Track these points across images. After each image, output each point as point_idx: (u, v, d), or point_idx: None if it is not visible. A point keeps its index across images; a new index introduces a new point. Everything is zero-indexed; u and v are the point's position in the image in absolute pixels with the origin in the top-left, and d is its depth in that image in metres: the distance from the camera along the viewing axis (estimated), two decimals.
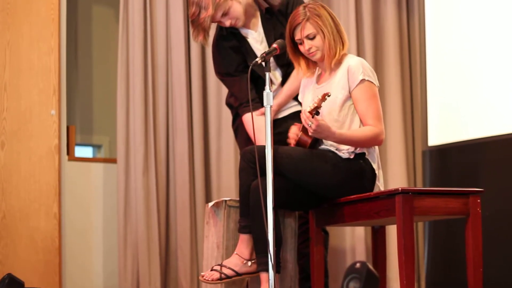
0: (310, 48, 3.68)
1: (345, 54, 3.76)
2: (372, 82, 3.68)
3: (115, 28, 5.81)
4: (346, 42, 3.72)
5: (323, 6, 3.72)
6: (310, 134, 3.57)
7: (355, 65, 3.67)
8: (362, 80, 3.66)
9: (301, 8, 3.71)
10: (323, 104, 3.52)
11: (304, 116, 3.53)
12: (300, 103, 4.13)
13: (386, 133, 5.52)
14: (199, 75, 5.54)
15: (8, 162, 5.20)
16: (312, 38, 3.68)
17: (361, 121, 3.69)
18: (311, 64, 3.81)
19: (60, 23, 5.41)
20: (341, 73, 3.71)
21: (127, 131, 5.49)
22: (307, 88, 3.88)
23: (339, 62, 3.74)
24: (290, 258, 3.92)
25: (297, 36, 3.70)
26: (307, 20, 3.66)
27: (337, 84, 3.70)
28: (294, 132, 3.83)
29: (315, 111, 3.51)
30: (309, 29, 3.67)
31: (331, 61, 3.69)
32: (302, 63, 3.80)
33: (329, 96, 3.52)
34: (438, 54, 5.40)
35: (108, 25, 6.41)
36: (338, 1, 5.70)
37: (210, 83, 5.56)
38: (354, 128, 3.68)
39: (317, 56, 3.71)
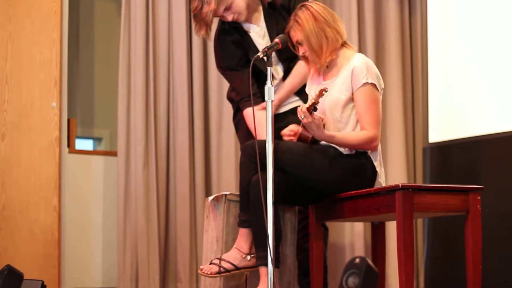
0: (304, 53, 3.73)
1: (348, 48, 3.77)
2: (375, 86, 3.67)
3: (117, 22, 5.81)
4: (330, 37, 3.70)
5: (307, 8, 3.73)
6: (303, 123, 3.58)
7: (359, 67, 3.67)
8: (365, 84, 3.65)
9: (292, 15, 3.76)
10: (320, 99, 3.53)
11: (299, 109, 3.55)
12: (300, 99, 4.13)
13: (387, 130, 5.56)
14: (200, 69, 5.54)
15: (9, 154, 5.20)
16: (301, 44, 3.73)
17: (359, 124, 3.69)
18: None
19: (62, 16, 5.41)
20: (345, 73, 3.71)
21: (127, 124, 5.49)
22: (313, 82, 3.89)
23: (336, 58, 3.75)
24: (289, 253, 3.92)
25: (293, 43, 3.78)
26: (291, 27, 3.74)
27: (341, 84, 3.71)
28: (288, 129, 3.82)
29: (313, 107, 3.52)
30: (294, 37, 3.75)
31: (320, 60, 3.72)
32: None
33: (326, 91, 3.52)
34: (439, 51, 5.41)
35: (110, 19, 6.40)
36: (341, 0, 5.69)
37: (211, 77, 5.56)
38: (356, 130, 3.69)
39: (311, 59, 3.75)
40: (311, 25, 3.70)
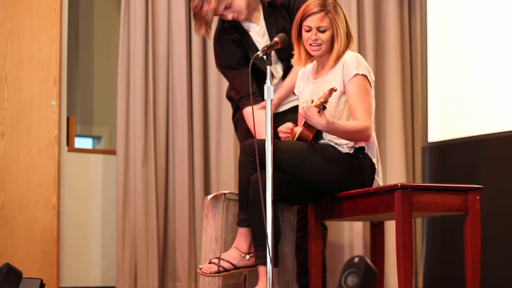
0: (316, 40, 3.69)
1: None
2: (366, 77, 3.68)
3: (116, 20, 5.81)
4: (351, 45, 3.75)
5: (340, 7, 3.74)
6: (302, 113, 3.55)
7: (350, 60, 3.69)
8: (356, 75, 3.67)
9: (327, 1, 3.72)
10: (329, 99, 3.52)
11: (302, 106, 3.53)
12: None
13: (386, 129, 5.56)
14: (200, 68, 5.54)
15: (8, 153, 5.20)
16: (323, 32, 3.69)
17: (351, 115, 3.68)
18: (310, 55, 3.81)
19: (61, 13, 5.40)
20: (336, 68, 3.72)
21: (127, 123, 5.49)
22: (303, 81, 3.89)
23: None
24: (288, 252, 3.92)
25: (309, 23, 3.70)
26: (327, 13, 3.68)
27: (332, 79, 3.71)
28: (285, 126, 3.80)
29: (322, 106, 3.50)
30: (325, 21, 3.69)
31: (335, 60, 3.71)
32: (303, 50, 3.80)
33: (335, 91, 3.51)
34: (439, 50, 5.40)
35: (109, 17, 6.40)
36: None
37: (211, 76, 5.56)
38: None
39: (319, 52, 3.72)
40: (344, 23, 3.73)
